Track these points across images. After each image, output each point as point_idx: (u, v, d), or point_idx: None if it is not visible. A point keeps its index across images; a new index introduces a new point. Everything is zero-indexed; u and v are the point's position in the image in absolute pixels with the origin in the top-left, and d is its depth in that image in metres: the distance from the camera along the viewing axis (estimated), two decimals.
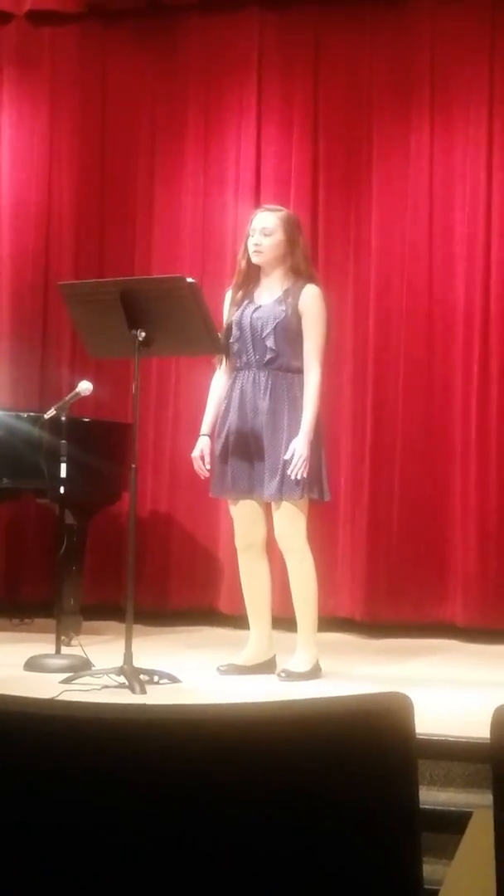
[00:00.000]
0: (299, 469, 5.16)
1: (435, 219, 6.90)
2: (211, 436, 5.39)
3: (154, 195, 7.32)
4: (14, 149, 7.43)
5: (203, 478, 5.42)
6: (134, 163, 7.37)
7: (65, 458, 5.56)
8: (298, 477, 5.16)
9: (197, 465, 5.38)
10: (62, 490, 5.58)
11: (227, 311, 5.42)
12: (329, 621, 5.95)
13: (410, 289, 6.88)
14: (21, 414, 6.21)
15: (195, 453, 5.38)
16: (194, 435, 5.45)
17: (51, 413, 5.59)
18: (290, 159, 7.13)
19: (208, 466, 5.35)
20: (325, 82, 7.10)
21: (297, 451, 5.17)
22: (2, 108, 7.45)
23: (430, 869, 1.62)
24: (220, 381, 5.44)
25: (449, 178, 6.89)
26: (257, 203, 6.83)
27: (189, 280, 5.14)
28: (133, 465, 5.11)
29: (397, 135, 6.97)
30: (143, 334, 4.99)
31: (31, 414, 6.13)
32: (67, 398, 5.59)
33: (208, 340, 5.13)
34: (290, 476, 5.16)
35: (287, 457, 5.18)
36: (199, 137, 7.28)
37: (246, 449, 5.30)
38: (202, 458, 5.35)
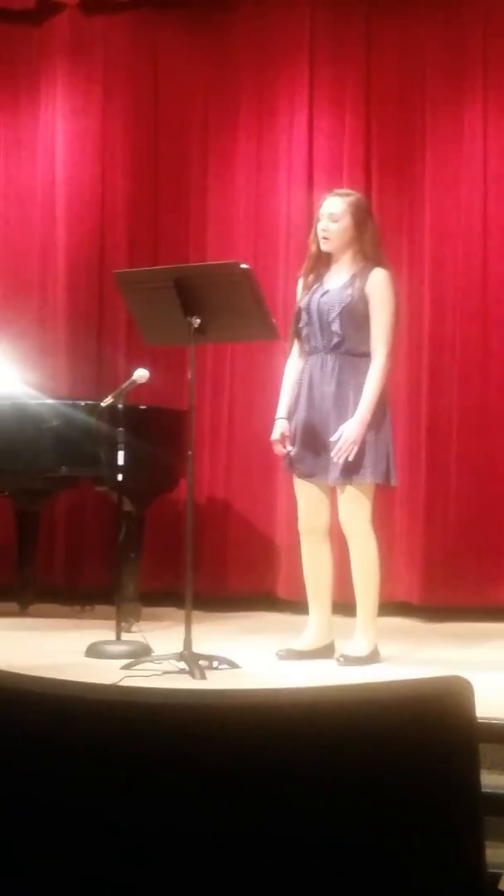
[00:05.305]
0: (344, 452, 5.14)
1: (489, 200, 6.85)
2: (288, 418, 5.38)
3: (207, 182, 7.31)
4: (68, 139, 7.45)
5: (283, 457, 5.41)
6: (187, 150, 7.36)
7: (122, 446, 5.57)
8: (340, 461, 5.14)
9: (276, 448, 5.39)
10: (120, 477, 5.59)
11: (300, 296, 5.41)
12: (386, 606, 5.92)
13: (465, 271, 6.84)
14: (78, 402, 6.23)
15: (274, 436, 5.38)
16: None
17: (108, 401, 5.60)
18: (343, 143, 7.09)
19: (288, 448, 5.35)
20: (377, 65, 7.05)
21: (346, 434, 5.15)
22: (55, 98, 7.47)
23: (493, 853, 1.61)
24: (293, 366, 5.43)
25: (503, 160, 6.84)
26: (310, 188, 6.81)
27: (243, 266, 5.14)
28: (190, 452, 5.12)
29: (450, 117, 6.92)
30: (199, 321, 4.99)
31: (89, 402, 6.15)
32: (124, 386, 5.61)
33: (263, 326, 5.13)
34: (333, 458, 5.14)
35: (334, 438, 5.17)
36: (251, 123, 7.26)
37: (313, 433, 5.28)
38: (282, 440, 5.35)
